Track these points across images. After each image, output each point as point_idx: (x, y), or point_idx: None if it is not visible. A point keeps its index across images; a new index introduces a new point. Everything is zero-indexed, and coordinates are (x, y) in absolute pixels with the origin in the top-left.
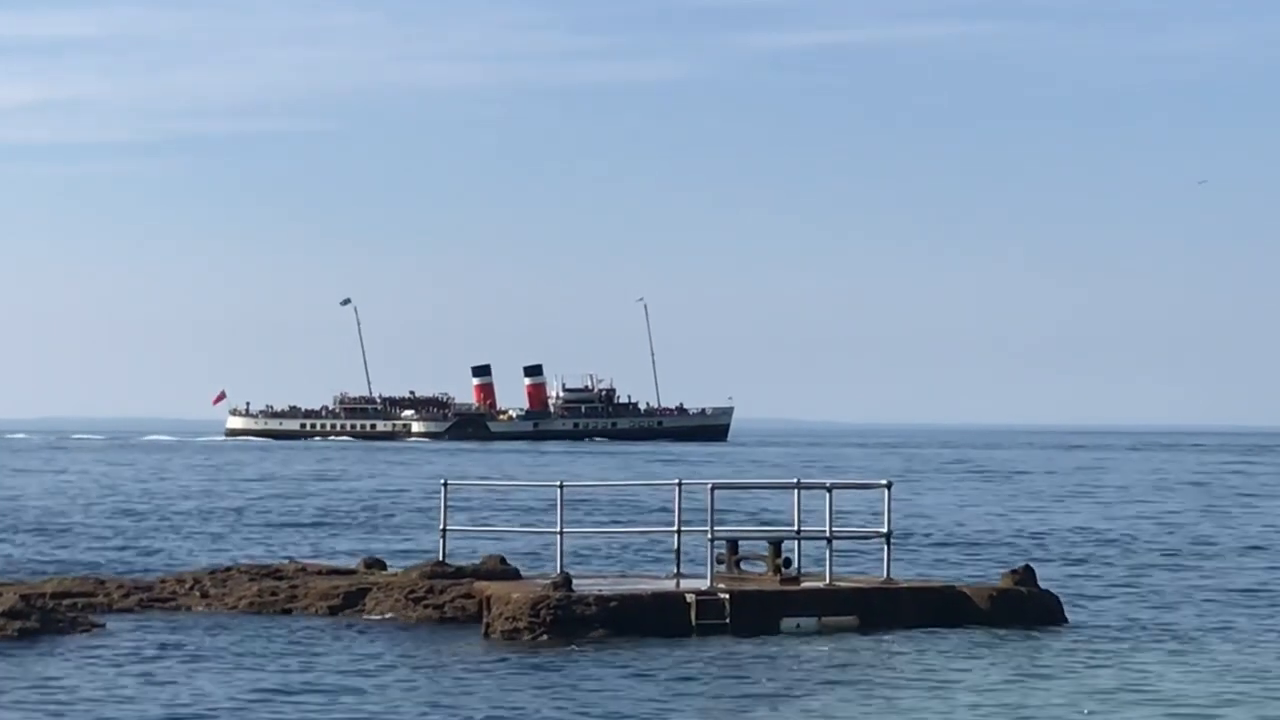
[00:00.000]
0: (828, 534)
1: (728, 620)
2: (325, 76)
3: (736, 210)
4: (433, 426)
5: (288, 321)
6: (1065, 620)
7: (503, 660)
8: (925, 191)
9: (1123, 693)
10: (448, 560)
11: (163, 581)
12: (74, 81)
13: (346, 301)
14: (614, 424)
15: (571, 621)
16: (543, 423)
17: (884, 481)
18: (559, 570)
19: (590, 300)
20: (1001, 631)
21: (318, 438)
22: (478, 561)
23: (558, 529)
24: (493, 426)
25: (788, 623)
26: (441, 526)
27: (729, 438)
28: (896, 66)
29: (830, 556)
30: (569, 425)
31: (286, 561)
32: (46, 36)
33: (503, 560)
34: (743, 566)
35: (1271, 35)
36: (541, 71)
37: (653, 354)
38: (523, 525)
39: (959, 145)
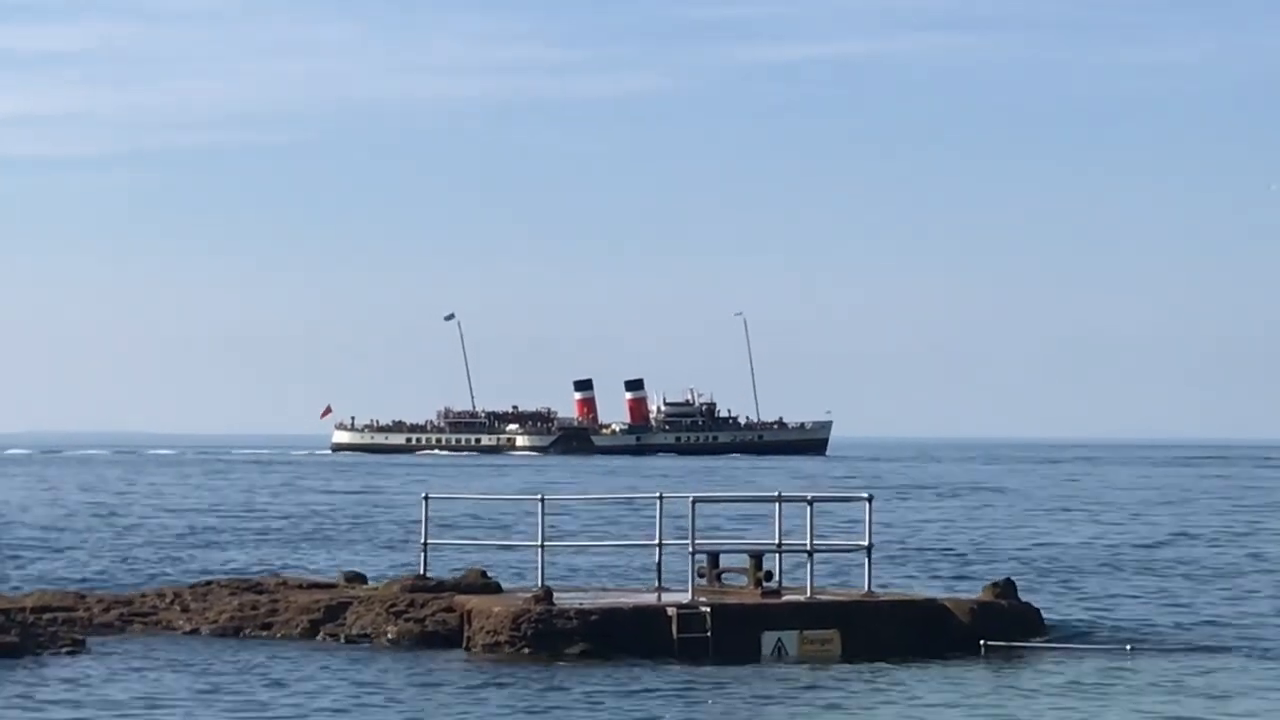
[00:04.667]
0: (808, 547)
1: (709, 633)
2: (322, 88)
3: (829, 224)
4: (537, 440)
5: (392, 337)
6: (1046, 634)
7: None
8: (929, 208)
9: None
10: (428, 574)
11: (143, 596)
12: (60, 95)
13: (450, 316)
14: (714, 438)
15: (552, 635)
16: (645, 436)
17: (865, 494)
18: (540, 584)
19: (689, 314)
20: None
21: (422, 452)
22: (459, 574)
23: (539, 542)
24: (596, 440)
25: (769, 636)
26: (423, 540)
27: (828, 451)
28: (883, 78)
29: (811, 569)
30: (671, 439)
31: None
32: (32, 50)
33: (484, 574)
34: (724, 580)
35: (1259, 45)
36: (534, 84)
37: (752, 368)
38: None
39: (959, 159)
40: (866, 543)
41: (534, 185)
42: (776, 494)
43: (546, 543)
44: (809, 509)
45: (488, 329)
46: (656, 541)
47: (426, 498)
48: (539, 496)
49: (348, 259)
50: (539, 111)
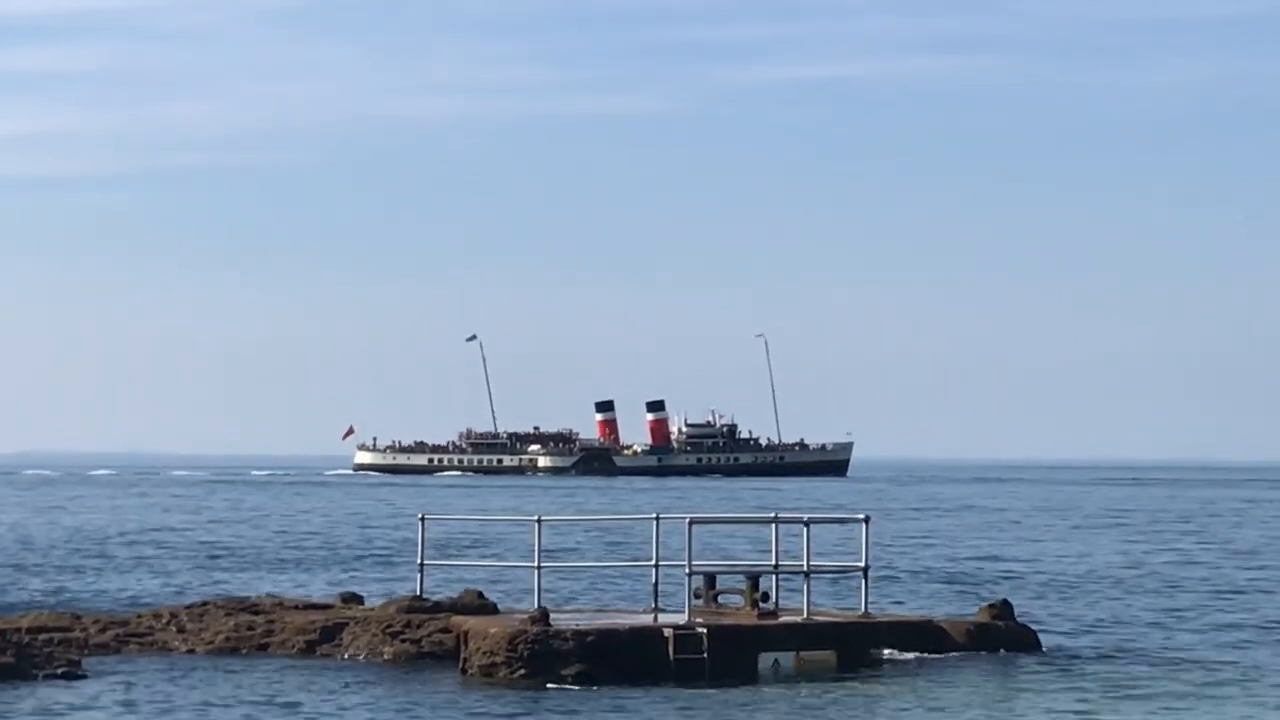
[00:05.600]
0: (805, 568)
1: (705, 655)
2: (312, 110)
3: (852, 245)
4: (559, 461)
5: (414, 358)
6: (1041, 654)
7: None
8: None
9: None
10: (425, 595)
11: (139, 617)
12: (54, 115)
13: (472, 338)
14: (736, 459)
15: (549, 656)
16: (666, 458)
17: (861, 516)
18: (536, 605)
19: (711, 336)
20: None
21: (444, 472)
22: (455, 596)
23: (535, 564)
24: (618, 461)
25: (765, 657)
26: (419, 561)
27: (849, 473)
28: (874, 101)
29: (808, 590)
30: (692, 460)
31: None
32: (33, 71)
33: (480, 595)
34: (720, 600)
35: (1251, 68)
36: (533, 105)
37: (773, 389)
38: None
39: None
40: (863, 564)
41: (551, 206)
42: (773, 515)
43: (543, 564)
44: (806, 530)
45: (509, 350)
46: (653, 563)
47: (423, 518)
48: (535, 518)
49: (369, 279)
50: (544, 132)
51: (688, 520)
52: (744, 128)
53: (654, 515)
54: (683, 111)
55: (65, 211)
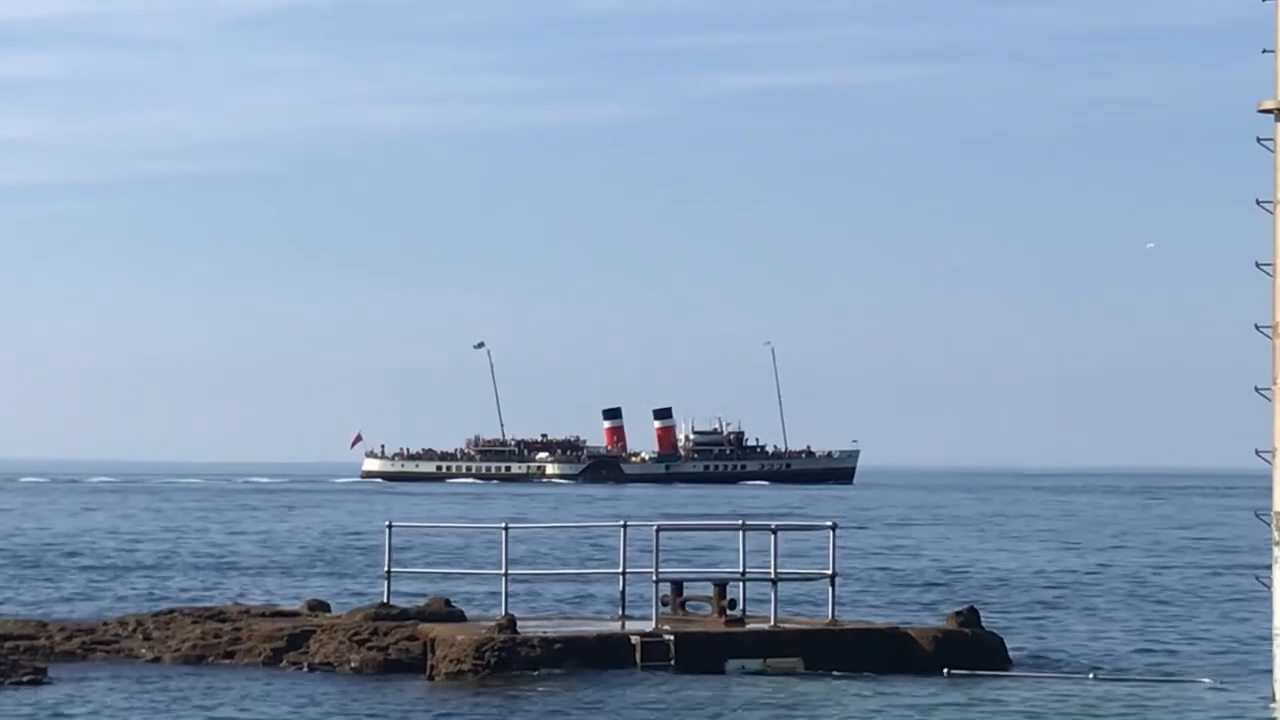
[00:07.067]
0: (772, 575)
1: (672, 662)
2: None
3: (859, 252)
4: (568, 469)
5: (422, 365)
6: (1009, 662)
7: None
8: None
9: None
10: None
11: (105, 624)
12: (24, 122)
13: (480, 345)
14: (743, 466)
15: (516, 663)
16: (673, 465)
17: (828, 523)
18: (504, 612)
19: (717, 343)
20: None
21: (452, 480)
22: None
23: (503, 570)
24: (625, 469)
25: (732, 664)
26: (386, 568)
27: (854, 480)
28: (861, 109)
29: (775, 598)
30: (699, 467)
31: (230, 603)
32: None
33: (447, 602)
34: (687, 608)
35: (1222, 79)
36: (513, 113)
37: (780, 397)
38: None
39: (923, 189)
40: (830, 571)
41: (557, 214)
42: (740, 522)
43: (510, 571)
44: (773, 537)
45: (518, 358)
46: (620, 570)
47: (390, 526)
48: (503, 524)
49: (377, 287)
50: (536, 141)
51: (654, 527)
52: (741, 135)
53: (621, 523)
54: (676, 119)
55: (65, 220)
